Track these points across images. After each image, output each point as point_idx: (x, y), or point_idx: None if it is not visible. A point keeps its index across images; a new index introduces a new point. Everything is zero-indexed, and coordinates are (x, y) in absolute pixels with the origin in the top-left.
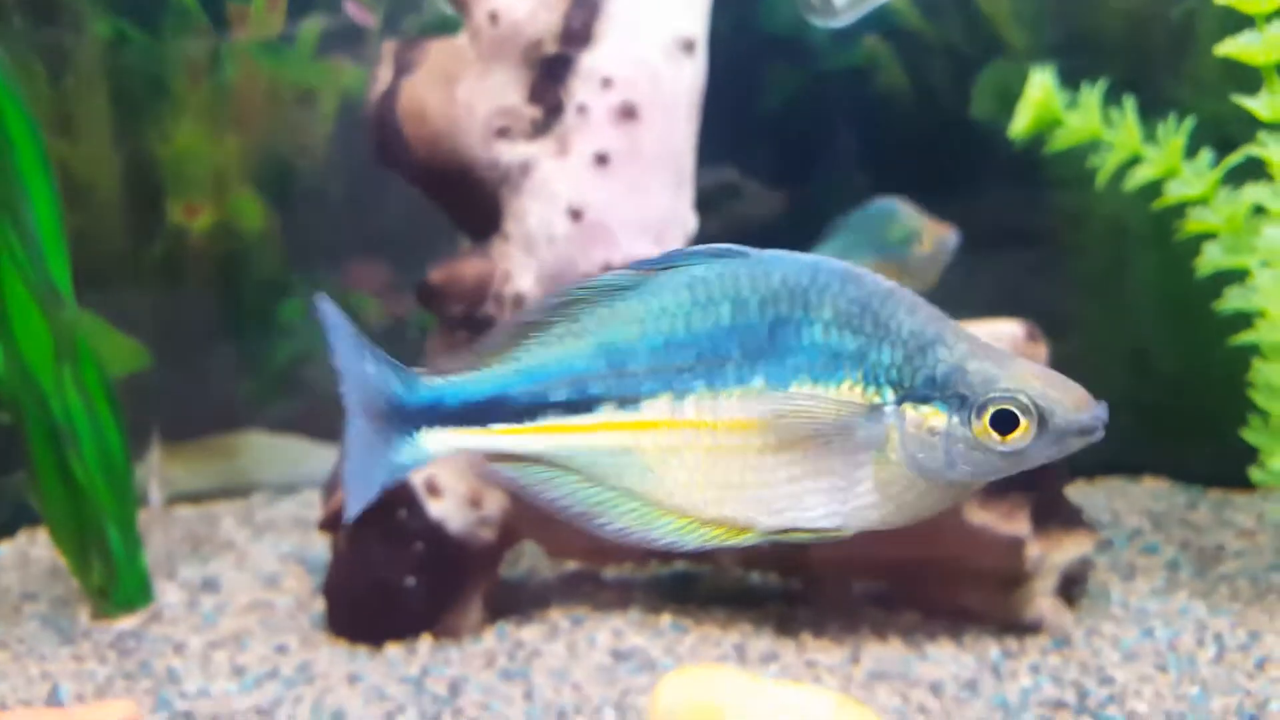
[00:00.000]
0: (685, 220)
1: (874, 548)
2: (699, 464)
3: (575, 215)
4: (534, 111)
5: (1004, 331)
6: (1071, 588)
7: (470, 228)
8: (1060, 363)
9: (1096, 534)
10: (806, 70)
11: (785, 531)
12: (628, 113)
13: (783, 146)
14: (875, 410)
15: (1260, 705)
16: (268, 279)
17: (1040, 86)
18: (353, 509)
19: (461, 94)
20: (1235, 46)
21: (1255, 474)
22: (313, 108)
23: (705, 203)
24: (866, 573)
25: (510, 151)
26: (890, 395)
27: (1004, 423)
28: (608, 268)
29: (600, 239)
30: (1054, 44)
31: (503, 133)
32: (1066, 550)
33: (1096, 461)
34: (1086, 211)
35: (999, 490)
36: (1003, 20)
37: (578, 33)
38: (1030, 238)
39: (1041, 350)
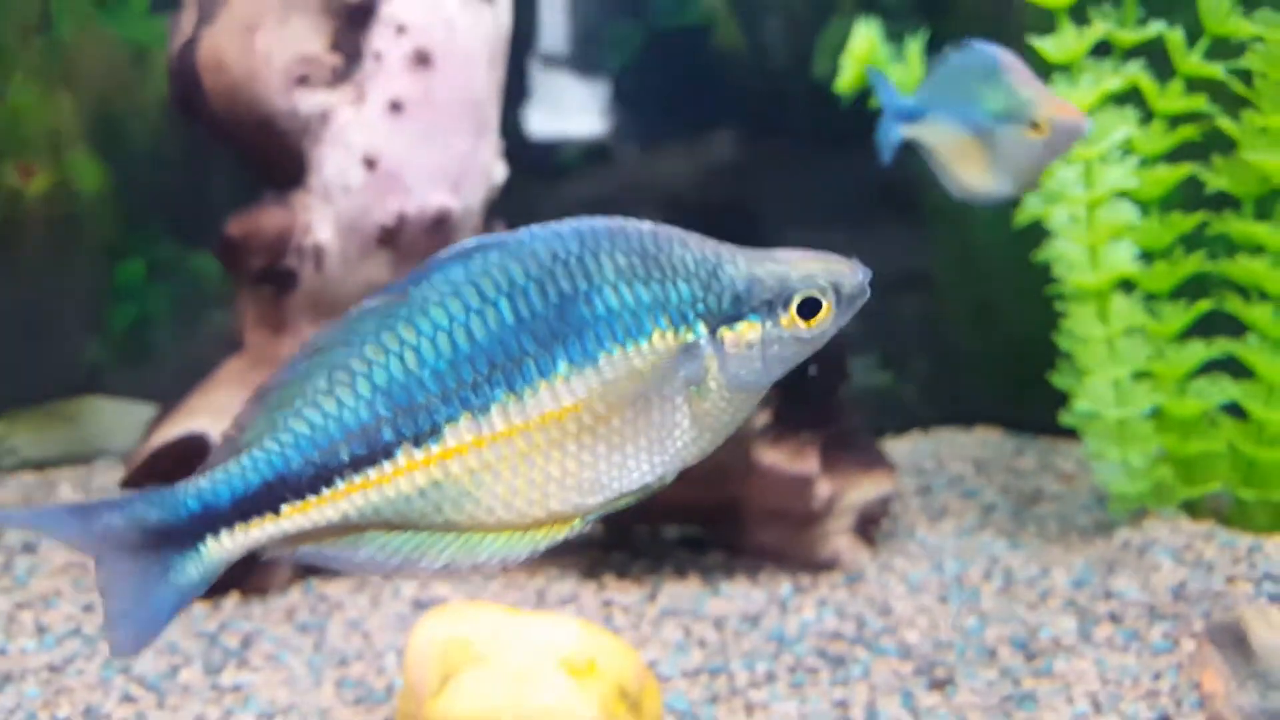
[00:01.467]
0: (488, 169)
1: (671, 490)
2: (516, 471)
3: (370, 164)
4: (335, 60)
5: None
6: (870, 527)
7: (273, 180)
8: (905, 316)
9: (894, 473)
10: (646, 27)
11: (609, 503)
12: (422, 59)
13: (625, 106)
14: (690, 348)
15: (1032, 632)
16: (106, 241)
17: (864, 40)
18: (134, 648)
19: (261, 43)
20: None
21: (1064, 417)
22: (147, 65)
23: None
24: (665, 518)
25: (309, 100)
26: (702, 328)
27: (809, 310)
28: (402, 218)
29: (394, 187)
30: (890, 2)
31: (302, 81)
32: (864, 489)
33: (936, 414)
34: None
35: (788, 430)
36: None
37: None
38: (877, 195)
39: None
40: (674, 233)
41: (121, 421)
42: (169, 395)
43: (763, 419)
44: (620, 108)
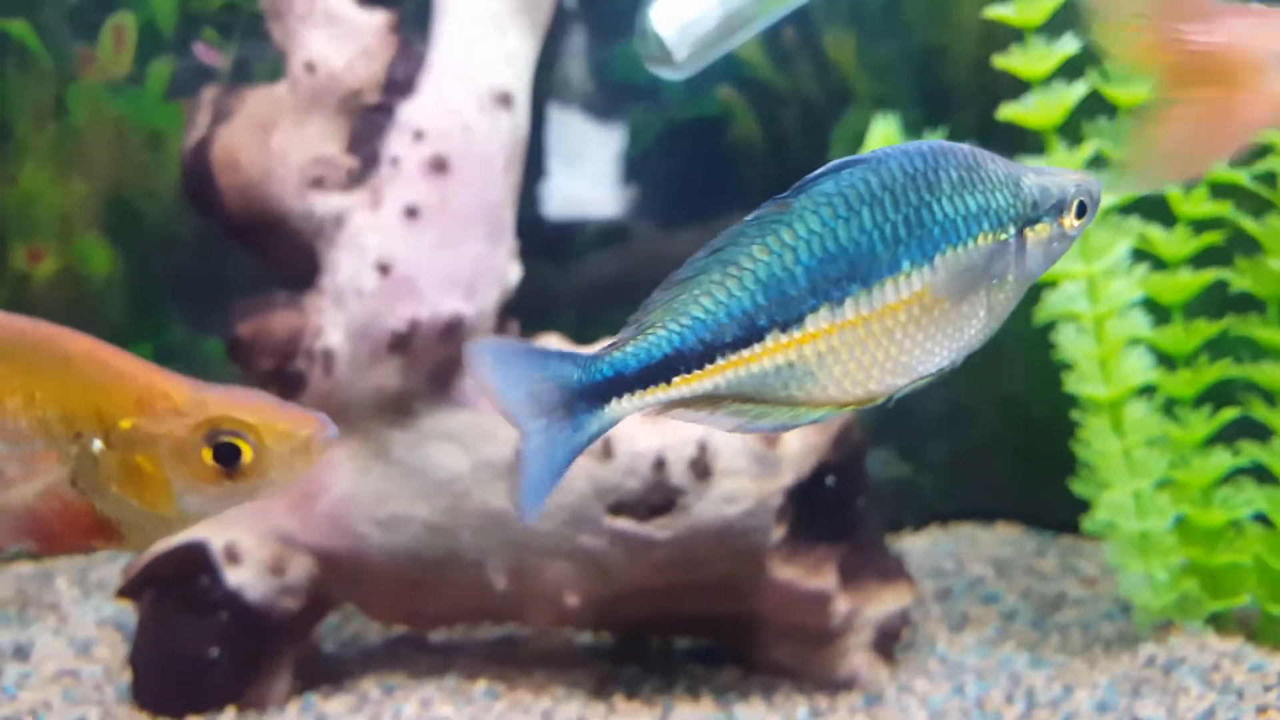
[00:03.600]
0: (502, 272)
1: (684, 604)
2: (853, 355)
3: (383, 269)
4: (351, 162)
5: None
6: (889, 642)
7: (286, 279)
8: (925, 405)
9: (914, 585)
10: (661, 119)
11: (911, 385)
12: (438, 165)
13: (644, 192)
14: (1002, 246)
15: None
16: (115, 324)
17: (881, 134)
18: (535, 504)
19: (276, 143)
20: (1014, 111)
21: (1086, 523)
22: (162, 150)
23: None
24: (680, 630)
25: (324, 203)
26: (1012, 229)
27: (1081, 211)
28: (414, 324)
29: (407, 294)
30: (906, 93)
31: (318, 183)
32: (884, 603)
33: (956, 507)
34: None
35: (805, 544)
36: (851, 69)
37: (400, 83)
38: None
39: None
40: (985, 152)
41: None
42: None
43: (779, 533)
44: (638, 194)
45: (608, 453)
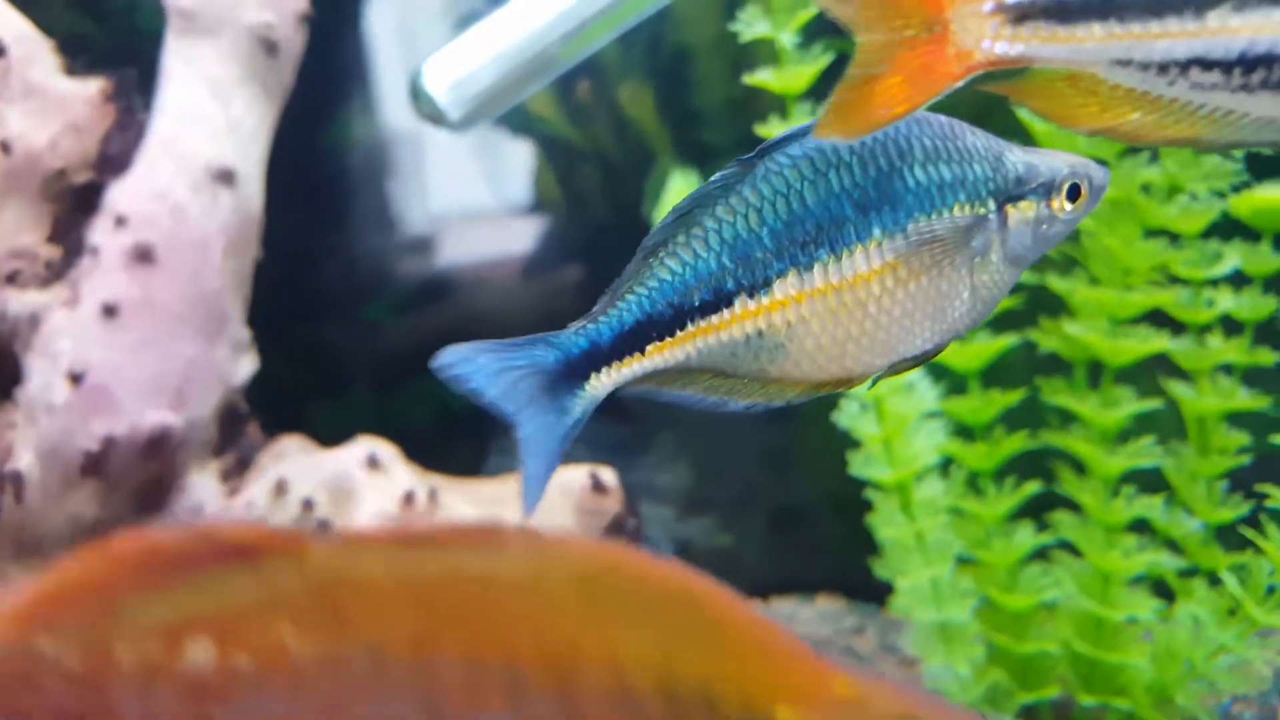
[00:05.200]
0: (224, 370)
1: None
2: (824, 328)
3: (75, 378)
4: (53, 253)
5: (571, 480)
6: None
7: None
8: (748, 473)
9: None
10: None
11: (892, 367)
12: (143, 255)
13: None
14: (982, 220)
15: None
16: None
17: (677, 190)
18: (537, 491)
19: None
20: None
21: (892, 607)
22: None
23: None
24: None
25: (19, 301)
26: (991, 204)
27: (1072, 194)
28: (110, 442)
29: (102, 406)
30: (707, 145)
31: (13, 279)
32: None
33: (779, 579)
34: None
35: None
36: (650, 126)
37: (115, 160)
38: None
39: (611, 501)
40: (964, 124)
41: None
42: None
43: None
44: (432, 256)
45: None
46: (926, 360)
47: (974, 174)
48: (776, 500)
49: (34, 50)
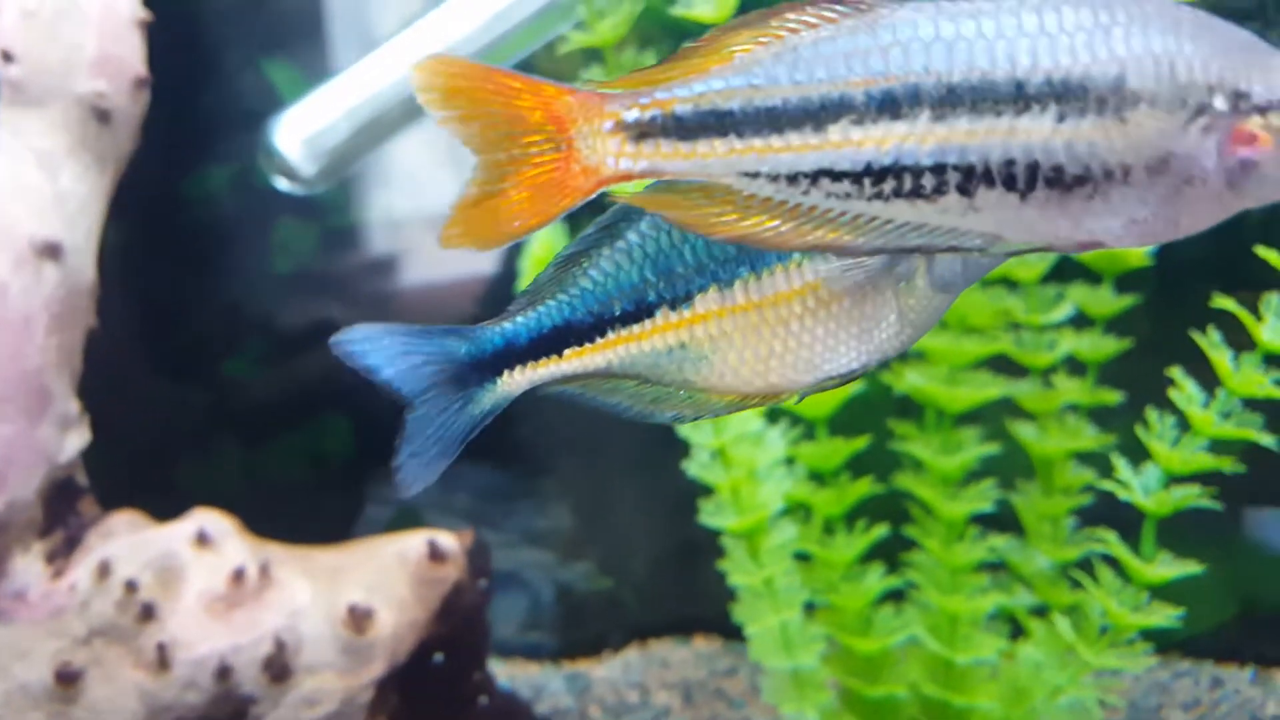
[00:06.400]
0: (48, 448)
1: None
2: (746, 342)
3: None
4: None
5: (408, 549)
6: None
7: None
8: (630, 515)
9: None
10: (317, 228)
11: (819, 384)
12: None
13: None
14: None
15: None
16: None
17: (543, 244)
18: (418, 477)
19: None
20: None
21: (751, 654)
22: None
23: None
24: None
25: None
26: None
27: None
28: None
29: None
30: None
31: None
32: None
33: (658, 620)
34: None
35: None
36: None
37: None
38: None
39: (450, 568)
40: None
41: None
42: None
43: None
44: (296, 308)
45: (163, 663)
46: (854, 379)
47: None
48: (656, 543)
49: None
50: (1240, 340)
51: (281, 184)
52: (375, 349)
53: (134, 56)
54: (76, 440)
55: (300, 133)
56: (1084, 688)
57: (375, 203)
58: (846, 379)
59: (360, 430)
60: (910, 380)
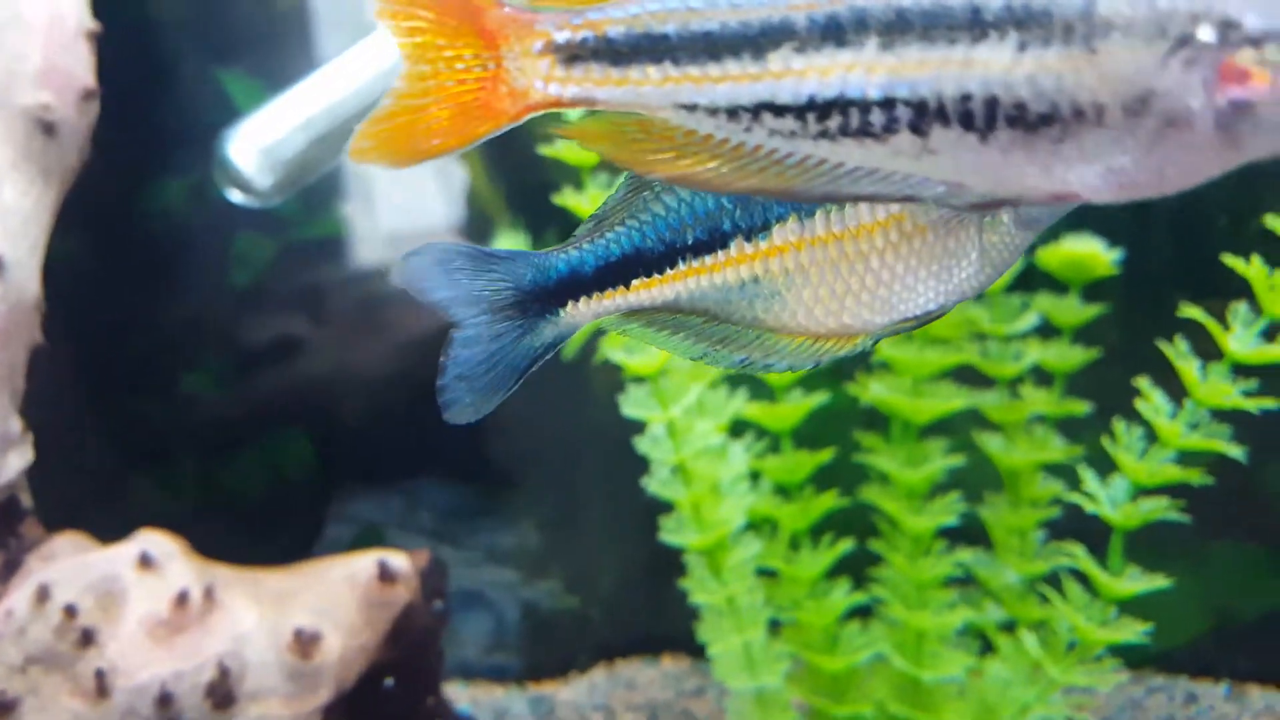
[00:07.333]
0: None
1: None
2: (823, 278)
3: None
4: None
5: (358, 570)
6: None
7: None
8: (597, 533)
9: None
10: (275, 242)
11: (894, 325)
12: None
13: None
14: None
15: None
16: None
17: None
18: (473, 410)
19: None
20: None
21: (714, 672)
22: None
23: None
24: None
25: None
26: None
27: None
28: None
29: None
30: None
31: None
32: None
33: (626, 639)
34: None
35: None
36: (491, 199)
37: None
38: None
39: (401, 589)
40: None
41: None
42: None
43: None
44: (255, 323)
45: (102, 690)
46: (930, 321)
47: None
48: (624, 560)
49: None
50: (1209, 349)
51: (236, 197)
52: (435, 270)
53: (81, 68)
54: (18, 460)
55: (255, 145)
56: (1053, 705)
57: (336, 216)
58: (923, 320)
59: (320, 447)
60: (875, 391)
